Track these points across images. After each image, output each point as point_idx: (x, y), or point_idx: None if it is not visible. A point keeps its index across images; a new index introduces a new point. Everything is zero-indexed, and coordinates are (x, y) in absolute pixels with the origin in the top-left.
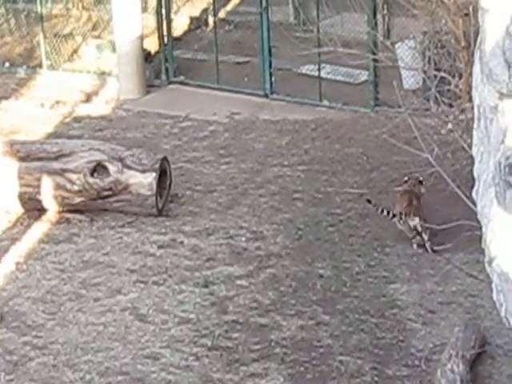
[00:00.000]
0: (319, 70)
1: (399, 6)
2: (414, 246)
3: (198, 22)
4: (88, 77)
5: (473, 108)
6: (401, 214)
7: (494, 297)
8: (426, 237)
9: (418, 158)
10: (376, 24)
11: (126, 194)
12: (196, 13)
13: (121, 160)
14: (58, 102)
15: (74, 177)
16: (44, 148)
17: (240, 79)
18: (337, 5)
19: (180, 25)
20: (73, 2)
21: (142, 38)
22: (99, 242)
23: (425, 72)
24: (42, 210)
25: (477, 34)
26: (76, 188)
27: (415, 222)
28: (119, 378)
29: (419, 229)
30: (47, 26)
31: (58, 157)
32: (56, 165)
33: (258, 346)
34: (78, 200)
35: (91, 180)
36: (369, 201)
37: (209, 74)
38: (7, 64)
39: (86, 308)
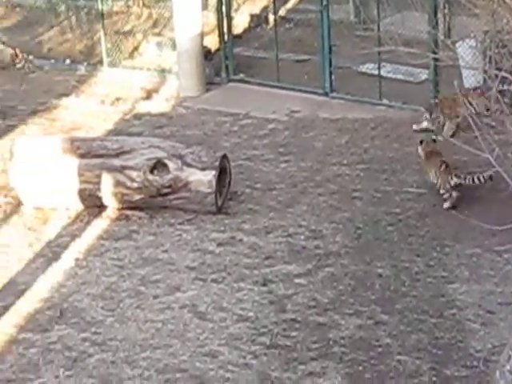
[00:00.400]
0: (379, 68)
1: (460, 5)
2: (448, 203)
3: (258, 20)
4: (148, 74)
5: None
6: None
7: None
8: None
9: (477, 158)
10: (437, 23)
11: (186, 192)
12: (256, 10)
13: (181, 157)
14: (118, 99)
15: (133, 174)
16: (104, 145)
17: (300, 77)
18: (397, 3)
19: (240, 22)
20: None
21: (202, 36)
22: (158, 239)
23: (485, 71)
24: (101, 207)
25: None
26: (136, 185)
27: (454, 180)
28: (177, 375)
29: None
30: (108, 23)
31: (118, 154)
32: (116, 162)
33: (316, 345)
34: (137, 197)
35: (151, 177)
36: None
37: (269, 71)
38: (68, 61)
39: (144, 305)
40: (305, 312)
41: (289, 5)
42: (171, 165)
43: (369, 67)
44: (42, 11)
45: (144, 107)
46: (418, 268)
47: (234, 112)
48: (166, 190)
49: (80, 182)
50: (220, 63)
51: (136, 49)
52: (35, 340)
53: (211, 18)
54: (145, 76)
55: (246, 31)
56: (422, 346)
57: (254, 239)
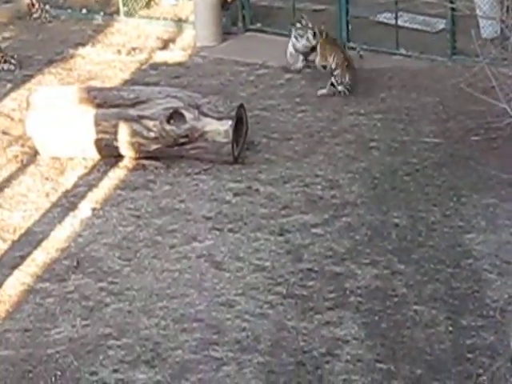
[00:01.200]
0: (396, 18)
1: None
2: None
3: None
4: (165, 24)
5: None
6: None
7: None
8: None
9: (495, 108)
10: None
11: (202, 142)
12: None
13: (197, 107)
14: (134, 49)
15: (150, 124)
16: (121, 95)
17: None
18: None
19: None
20: None
21: None
22: (175, 189)
23: (503, 21)
24: (118, 157)
25: None
26: (152, 135)
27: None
28: (194, 325)
29: None
30: None
31: (134, 104)
32: (133, 112)
33: (332, 295)
34: (154, 147)
35: (168, 127)
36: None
37: (286, 21)
38: (84, 10)
39: (161, 255)
40: (321, 262)
41: None
42: (188, 115)
43: (386, 17)
44: None
45: (160, 57)
46: (435, 218)
47: (251, 62)
48: (182, 140)
49: (96, 131)
50: (237, 13)
51: None
52: (52, 290)
53: None
54: (161, 26)
55: None
56: (439, 296)
57: (270, 189)
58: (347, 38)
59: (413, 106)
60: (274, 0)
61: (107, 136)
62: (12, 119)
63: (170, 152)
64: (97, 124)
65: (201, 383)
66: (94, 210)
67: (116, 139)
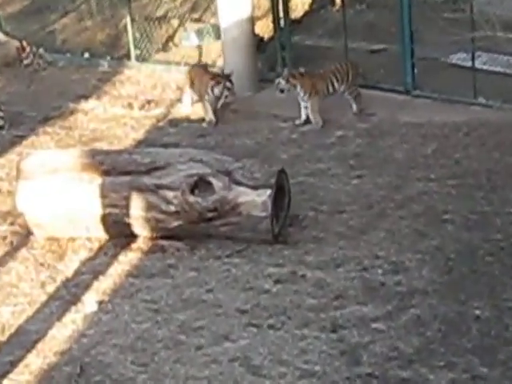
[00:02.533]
0: (473, 59)
1: None
2: None
3: (321, 1)
4: (186, 70)
5: None
6: None
7: None
8: None
9: None
10: None
11: (235, 216)
12: None
13: (228, 174)
14: (149, 102)
15: (170, 195)
16: (133, 159)
17: (375, 71)
18: None
19: (300, 4)
20: None
21: (252, 21)
22: (201, 276)
23: None
24: (130, 237)
25: None
26: (173, 208)
27: None
28: None
29: None
30: (136, 7)
31: (150, 170)
32: (148, 180)
33: None
34: (175, 223)
35: (191, 199)
36: None
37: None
38: (87, 54)
39: (185, 358)
40: (384, 365)
41: None
42: (216, 183)
43: (460, 58)
44: None
45: (181, 111)
46: None
47: (294, 116)
48: (210, 215)
49: (104, 205)
50: (275, 55)
51: (171, 38)
52: None
53: (264, 0)
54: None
55: (306, 15)
56: None
57: (319, 274)
58: (412, 85)
59: (495, 168)
60: (320, 39)
61: (117, 210)
62: None
63: (194, 230)
64: (104, 196)
65: None
66: (100, 303)
67: (127, 214)
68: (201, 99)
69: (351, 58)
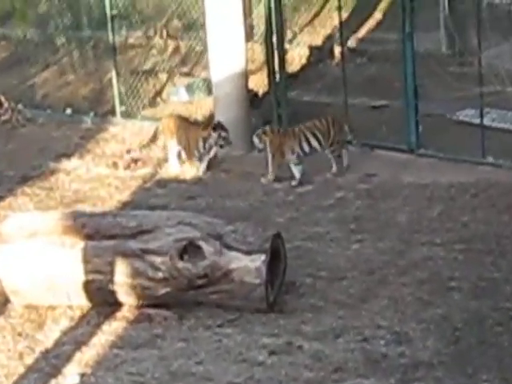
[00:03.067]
0: (481, 115)
1: None
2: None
3: (320, 54)
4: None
5: None
6: None
7: None
8: None
9: None
10: None
11: (227, 283)
12: (317, 41)
13: (219, 238)
14: (135, 161)
15: (157, 260)
16: (118, 222)
17: (376, 129)
18: (504, 29)
19: (297, 57)
20: (155, 28)
21: (246, 76)
22: (191, 347)
23: None
24: (115, 305)
25: None
26: (160, 275)
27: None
28: None
29: None
30: (121, 60)
31: (136, 234)
32: (134, 244)
33: None
34: (162, 291)
35: (180, 264)
36: None
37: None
38: (69, 110)
39: None
40: None
41: (360, 33)
42: (207, 248)
43: (467, 114)
44: (34, 45)
45: (170, 171)
46: None
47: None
48: (200, 282)
49: (86, 271)
50: (271, 111)
51: (159, 94)
52: None
53: (258, 52)
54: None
55: (303, 69)
56: None
57: (317, 346)
58: (417, 143)
59: (505, 232)
60: (319, 94)
61: (100, 277)
62: None
63: (183, 297)
64: (86, 261)
65: None
66: (83, 375)
67: (112, 281)
68: (190, 157)
69: (350, 114)
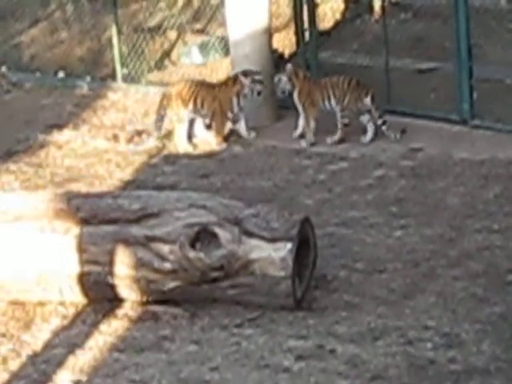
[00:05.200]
0: None
1: None
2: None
3: (356, 8)
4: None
5: None
6: None
7: None
8: None
9: None
10: None
11: (247, 276)
12: None
13: (238, 223)
14: (139, 133)
15: (165, 249)
16: (118, 204)
17: (424, 96)
18: None
19: (329, 12)
20: None
21: (270, 34)
22: (204, 351)
23: None
24: (115, 301)
25: None
26: (168, 266)
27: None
28: None
29: None
30: (123, 15)
31: (140, 218)
32: (137, 230)
33: None
34: (171, 285)
35: (192, 254)
36: None
37: (375, 87)
38: (61, 74)
39: None
40: None
41: None
42: (223, 234)
43: None
44: None
45: (180, 145)
46: None
47: (321, 151)
48: (215, 274)
49: (81, 261)
50: None
51: (167, 54)
52: None
53: (284, 5)
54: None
55: (337, 25)
56: None
57: (353, 349)
58: (471, 113)
59: None
60: (355, 55)
61: (98, 268)
62: None
63: (195, 293)
64: (81, 250)
65: None
66: (77, 383)
67: (111, 273)
68: (222, 124)
69: (393, 79)
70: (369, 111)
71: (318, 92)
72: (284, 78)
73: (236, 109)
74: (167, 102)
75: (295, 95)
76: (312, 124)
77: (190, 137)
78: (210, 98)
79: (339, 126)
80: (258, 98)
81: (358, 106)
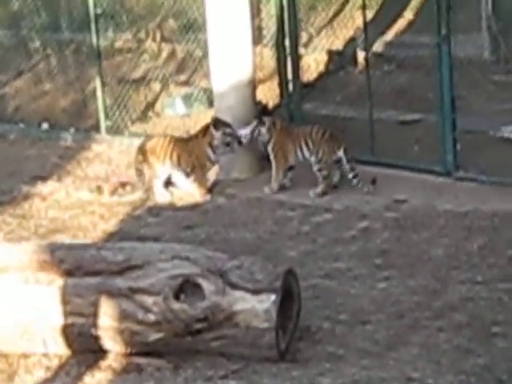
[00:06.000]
0: None
1: None
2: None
3: (340, 60)
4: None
5: None
6: None
7: None
8: None
9: None
10: None
11: (230, 328)
12: (337, 45)
13: (222, 274)
14: (123, 185)
15: (148, 300)
16: (102, 256)
17: (407, 147)
18: None
19: (313, 64)
20: (146, 29)
21: (253, 85)
22: None
23: None
24: (99, 352)
25: None
26: (152, 318)
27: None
28: None
29: None
30: (107, 67)
31: (123, 270)
32: (121, 282)
33: None
34: (155, 336)
35: (176, 305)
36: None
37: (358, 139)
38: (45, 125)
39: None
40: None
41: (388, 36)
42: (207, 286)
43: None
44: (4, 49)
45: (164, 197)
46: None
47: (305, 203)
48: (199, 326)
49: (65, 313)
50: None
51: (151, 106)
52: None
53: (268, 58)
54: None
55: (321, 77)
56: None
57: None
58: (454, 164)
59: None
60: (338, 107)
61: (82, 320)
62: None
63: (179, 344)
64: (65, 302)
65: None
66: None
67: (95, 325)
68: (202, 174)
69: (377, 131)
70: (339, 162)
71: (291, 144)
72: (263, 130)
73: (213, 157)
74: (143, 158)
75: (270, 145)
76: (280, 175)
77: (167, 185)
78: (185, 154)
79: (319, 178)
80: (228, 150)
81: (332, 157)
